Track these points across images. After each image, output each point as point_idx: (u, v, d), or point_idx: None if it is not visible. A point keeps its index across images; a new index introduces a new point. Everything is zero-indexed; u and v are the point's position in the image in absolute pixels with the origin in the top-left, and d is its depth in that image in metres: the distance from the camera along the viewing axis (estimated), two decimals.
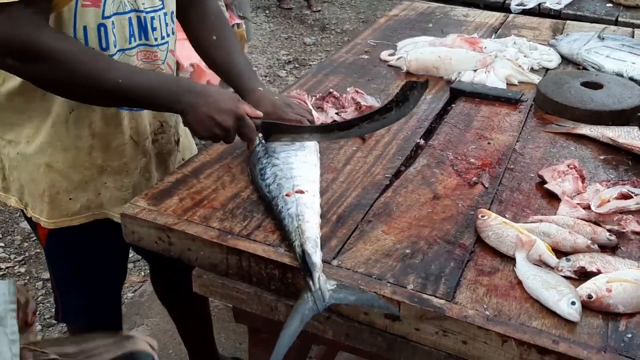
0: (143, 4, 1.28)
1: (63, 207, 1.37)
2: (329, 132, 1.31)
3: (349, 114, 1.56)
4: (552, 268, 1.08)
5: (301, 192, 1.16)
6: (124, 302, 2.72)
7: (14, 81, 1.25)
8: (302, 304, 1.00)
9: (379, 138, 1.51)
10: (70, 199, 1.37)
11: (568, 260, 1.08)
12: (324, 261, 1.09)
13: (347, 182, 1.33)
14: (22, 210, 1.43)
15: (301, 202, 1.14)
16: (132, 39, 1.28)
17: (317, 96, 1.64)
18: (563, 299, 0.98)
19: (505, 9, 3.12)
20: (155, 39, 1.33)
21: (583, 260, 1.07)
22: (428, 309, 0.99)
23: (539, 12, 3.05)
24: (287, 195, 1.16)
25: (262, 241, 1.14)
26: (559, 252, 1.12)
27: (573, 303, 0.97)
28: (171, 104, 1.23)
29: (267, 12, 7.32)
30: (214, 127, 1.23)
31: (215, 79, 3.00)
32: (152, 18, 1.30)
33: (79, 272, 1.51)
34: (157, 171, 1.48)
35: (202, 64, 2.20)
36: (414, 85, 1.21)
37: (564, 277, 1.05)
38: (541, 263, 1.09)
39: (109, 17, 1.21)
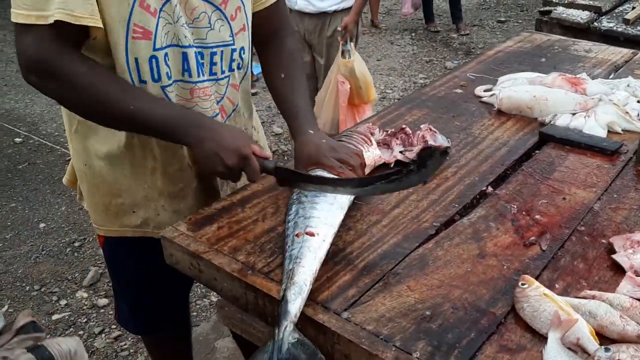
0: (204, 39, 1.30)
1: (124, 219, 1.44)
2: (340, 186, 1.24)
3: (414, 152, 1.48)
4: (589, 355, 0.93)
5: (311, 234, 1.12)
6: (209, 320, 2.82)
7: None
8: (261, 351, 0.97)
9: (442, 181, 1.42)
10: (133, 212, 1.44)
11: (607, 350, 0.92)
12: (334, 312, 1.04)
13: (389, 227, 1.26)
14: None
15: (306, 244, 1.10)
16: (187, 73, 1.30)
17: (389, 131, 1.57)
18: None
19: None
20: (215, 74, 1.35)
21: (625, 353, 0.91)
22: None
23: None
24: (296, 235, 1.13)
25: (279, 281, 1.11)
26: (604, 338, 0.97)
27: None
28: (179, 136, 1.24)
29: (413, 34, 7.26)
30: (218, 164, 1.22)
31: None
32: (214, 53, 1.32)
33: (128, 283, 1.59)
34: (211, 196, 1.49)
35: None
36: (433, 152, 1.13)
37: None
38: (578, 348, 0.95)
39: (161, 49, 1.25)
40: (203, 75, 1.34)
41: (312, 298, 1.06)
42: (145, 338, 2.00)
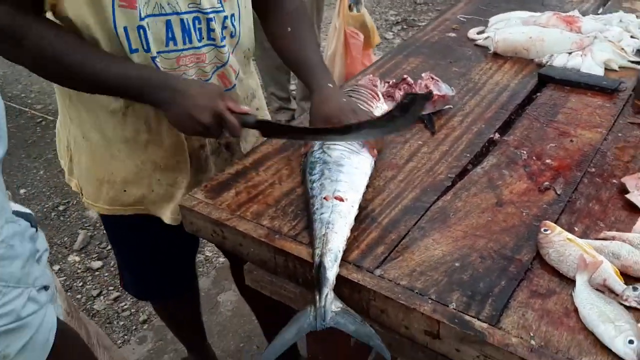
0: (199, 4, 1.24)
1: (117, 197, 1.42)
2: (324, 134, 1.25)
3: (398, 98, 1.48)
4: (617, 295, 0.98)
5: (340, 199, 1.13)
6: (216, 267, 2.85)
7: None
8: (302, 316, 1.00)
9: (450, 131, 1.43)
10: (124, 191, 1.41)
11: (635, 289, 0.97)
12: (366, 270, 1.06)
13: (406, 182, 1.28)
14: None
15: (337, 209, 1.10)
16: (172, 42, 1.25)
17: (390, 82, 1.56)
18: (620, 336, 0.89)
19: None
20: (213, 39, 1.30)
21: None
22: (468, 333, 0.94)
23: None
24: (325, 198, 1.13)
25: (308, 243, 1.12)
26: (629, 278, 1.01)
27: (631, 342, 0.88)
28: (148, 98, 1.20)
29: None
30: (194, 124, 1.19)
31: None
32: (210, 19, 1.27)
33: (129, 255, 1.60)
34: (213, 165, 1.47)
35: None
36: (415, 97, 1.14)
37: (629, 307, 0.96)
38: (605, 289, 0.99)
39: (143, 19, 1.19)
40: (200, 40, 1.29)
41: (343, 258, 1.08)
42: (154, 303, 2.01)
